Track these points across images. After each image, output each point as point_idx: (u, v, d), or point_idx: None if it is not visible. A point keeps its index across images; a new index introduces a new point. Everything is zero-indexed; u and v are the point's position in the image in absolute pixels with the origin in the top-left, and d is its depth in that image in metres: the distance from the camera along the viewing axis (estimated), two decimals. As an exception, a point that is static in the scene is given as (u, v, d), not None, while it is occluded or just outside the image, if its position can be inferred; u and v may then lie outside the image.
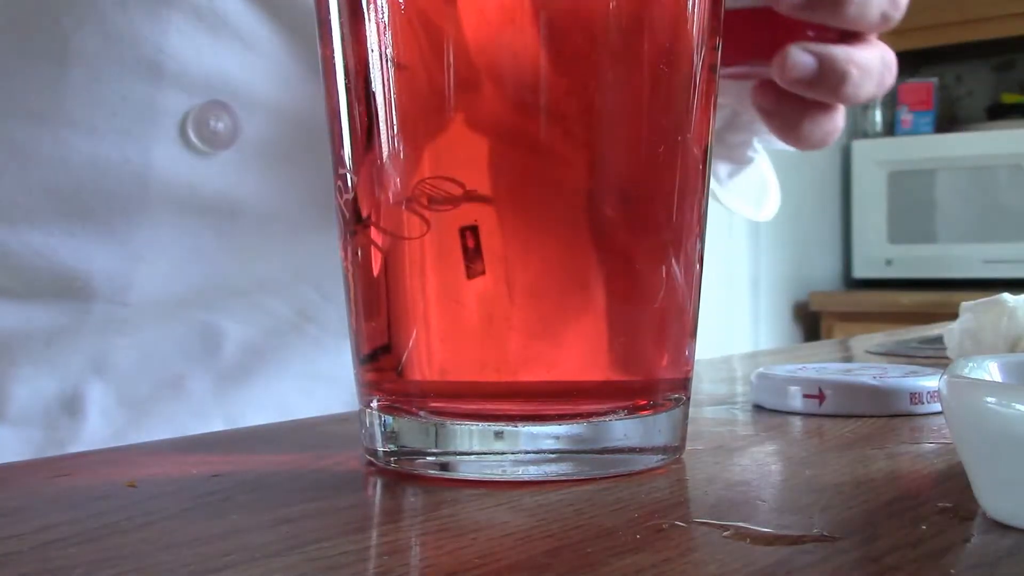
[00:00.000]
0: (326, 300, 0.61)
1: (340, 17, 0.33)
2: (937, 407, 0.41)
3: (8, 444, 0.54)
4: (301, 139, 0.56)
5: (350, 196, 0.33)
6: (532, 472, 0.31)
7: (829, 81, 0.47)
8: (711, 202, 0.36)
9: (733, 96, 0.60)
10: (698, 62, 0.32)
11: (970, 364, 0.29)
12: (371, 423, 0.33)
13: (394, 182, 0.32)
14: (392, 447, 0.32)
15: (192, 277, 0.57)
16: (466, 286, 0.31)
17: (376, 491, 0.31)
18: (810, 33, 0.47)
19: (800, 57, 0.46)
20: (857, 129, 2.82)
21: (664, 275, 0.33)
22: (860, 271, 2.74)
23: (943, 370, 0.28)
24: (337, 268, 0.60)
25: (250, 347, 0.60)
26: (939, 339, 0.65)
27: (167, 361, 0.58)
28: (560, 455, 0.31)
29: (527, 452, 0.31)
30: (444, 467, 0.31)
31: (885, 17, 0.49)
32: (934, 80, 2.80)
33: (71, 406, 0.56)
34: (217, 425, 0.57)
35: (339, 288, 0.61)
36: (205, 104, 0.54)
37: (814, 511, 0.27)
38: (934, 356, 0.65)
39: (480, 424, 0.31)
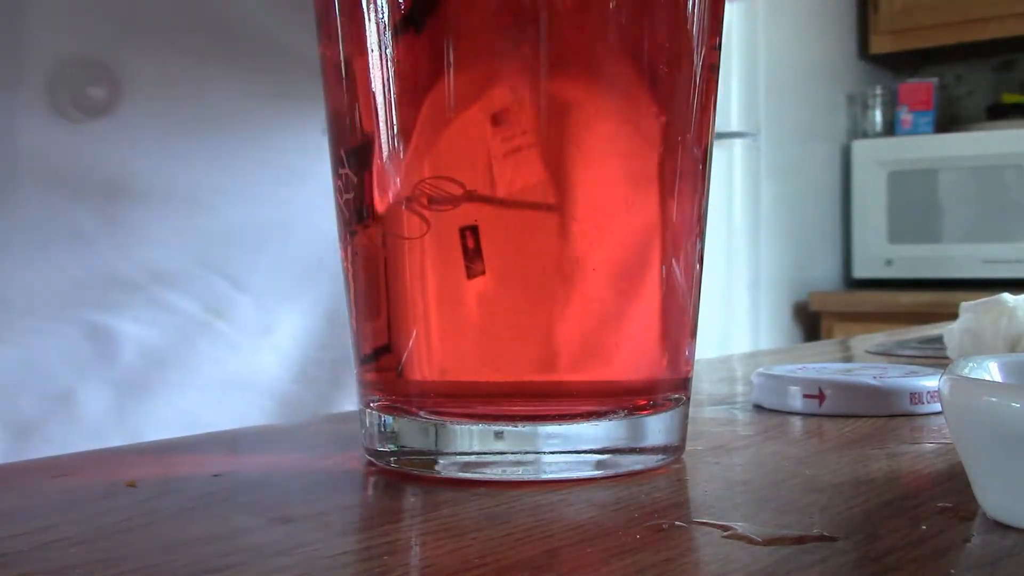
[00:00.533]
0: (239, 291, 0.53)
1: (340, 17, 0.33)
2: (937, 407, 0.41)
3: None
4: (202, 106, 0.50)
5: (350, 196, 0.33)
6: (532, 472, 0.31)
7: None
8: (711, 201, 0.36)
9: None
10: (698, 62, 0.32)
11: (970, 364, 0.29)
12: (371, 423, 0.33)
13: (394, 182, 0.32)
14: (392, 447, 0.32)
15: (73, 268, 0.49)
16: (466, 286, 0.31)
17: (376, 491, 0.31)
18: None
19: None
20: (857, 129, 2.82)
21: (664, 275, 0.33)
22: (860, 271, 2.74)
23: (943, 370, 0.28)
24: (250, 252, 0.54)
25: (150, 352, 0.51)
26: (939, 339, 0.65)
27: (53, 372, 0.49)
28: (560, 455, 0.31)
29: (527, 452, 0.31)
30: (444, 467, 0.31)
31: None
32: (934, 80, 2.80)
33: None
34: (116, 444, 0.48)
35: (253, 276, 0.55)
36: (79, 62, 0.46)
37: (814, 511, 0.27)
38: (934, 356, 0.65)
39: (480, 424, 0.31)
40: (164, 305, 0.52)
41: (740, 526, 0.26)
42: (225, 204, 0.52)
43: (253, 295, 0.54)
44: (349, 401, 0.56)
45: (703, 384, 0.53)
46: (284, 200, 0.54)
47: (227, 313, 0.53)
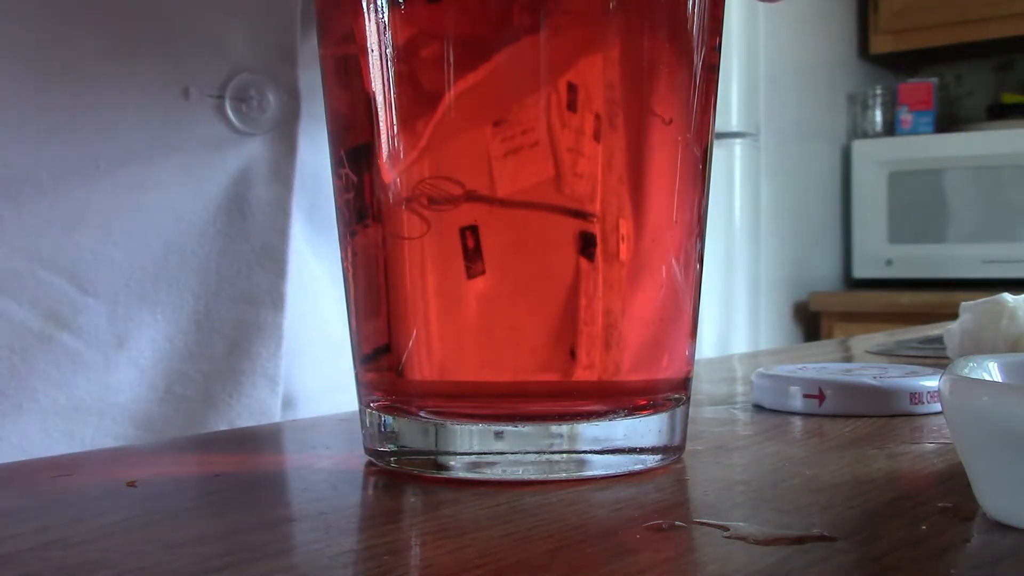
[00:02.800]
0: (84, 294, 0.45)
1: (340, 17, 0.33)
2: (937, 407, 0.41)
3: None
4: (30, 62, 0.43)
5: (350, 196, 0.33)
6: (532, 472, 0.31)
7: None
8: (711, 201, 0.35)
9: None
10: (698, 62, 0.32)
11: (970, 364, 0.29)
12: (371, 423, 0.33)
13: (394, 182, 0.32)
14: (392, 447, 0.32)
15: None
16: (466, 286, 0.31)
17: (376, 491, 0.31)
18: None
19: None
20: (857, 129, 2.82)
21: (664, 275, 0.33)
22: (860, 271, 2.74)
23: (943, 370, 0.28)
24: (96, 245, 0.45)
25: None
26: (939, 339, 0.65)
27: None
28: (560, 455, 0.31)
29: (527, 452, 0.31)
30: (444, 467, 0.31)
31: None
32: (934, 80, 2.80)
33: None
34: None
35: (101, 275, 0.45)
36: None
37: (814, 511, 0.27)
38: (934, 356, 0.65)
39: (480, 424, 0.31)
40: None
41: (740, 526, 0.26)
42: (62, 185, 0.44)
43: (103, 298, 0.46)
44: (222, 421, 0.50)
45: (703, 384, 0.53)
46: (136, 180, 0.46)
47: (72, 323, 0.45)
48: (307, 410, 0.53)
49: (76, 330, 0.45)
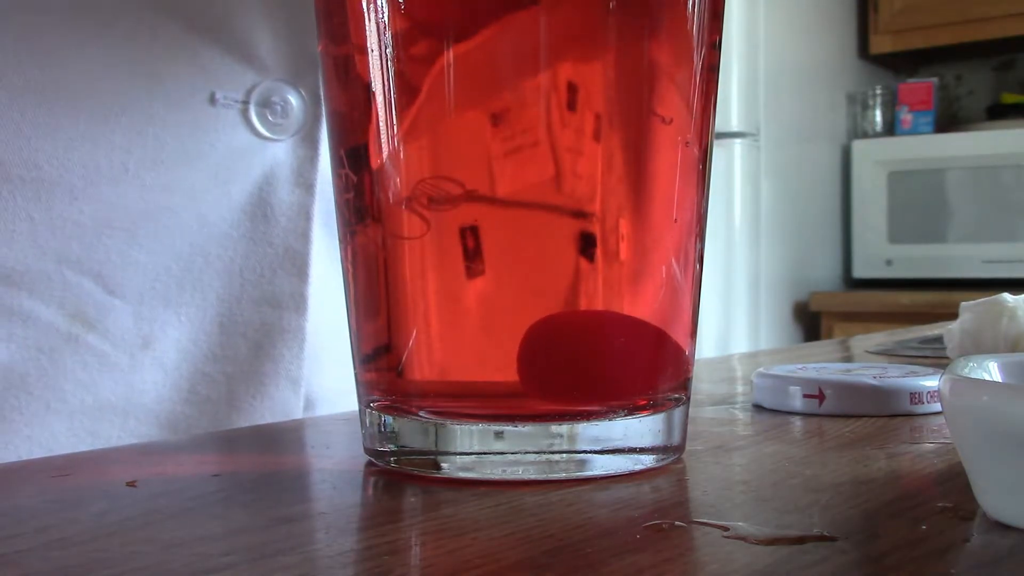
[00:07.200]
0: (111, 295, 0.46)
1: (340, 16, 0.33)
2: (937, 407, 0.41)
3: None
4: (60, 70, 0.43)
5: (350, 196, 0.33)
6: (532, 472, 0.31)
7: None
8: (711, 201, 0.35)
9: None
10: (698, 62, 0.32)
11: (970, 364, 0.29)
12: (371, 423, 0.33)
13: (394, 182, 0.32)
14: (392, 447, 0.32)
15: None
16: (466, 286, 0.31)
17: (376, 491, 0.31)
18: None
19: None
20: (857, 129, 2.82)
21: (664, 275, 0.33)
22: (860, 271, 2.74)
23: (943, 370, 0.28)
24: (123, 247, 0.46)
25: (3, 372, 0.44)
26: (939, 339, 0.65)
27: None
28: (559, 455, 0.31)
29: (527, 452, 0.31)
30: (444, 467, 0.31)
31: None
32: (934, 80, 2.79)
33: None
34: None
35: (128, 277, 0.46)
36: None
37: (814, 511, 0.27)
38: (934, 356, 0.65)
39: (480, 424, 0.31)
40: (19, 314, 0.44)
41: (740, 526, 0.26)
42: (91, 188, 0.44)
43: (129, 300, 0.46)
44: (245, 422, 0.50)
45: (703, 384, 0.53)
46: (163, 184, 0.47)
47: (98, 323, 0.46)
48: (326, 411, 0.54)
49: (102, 331, 0.46)
